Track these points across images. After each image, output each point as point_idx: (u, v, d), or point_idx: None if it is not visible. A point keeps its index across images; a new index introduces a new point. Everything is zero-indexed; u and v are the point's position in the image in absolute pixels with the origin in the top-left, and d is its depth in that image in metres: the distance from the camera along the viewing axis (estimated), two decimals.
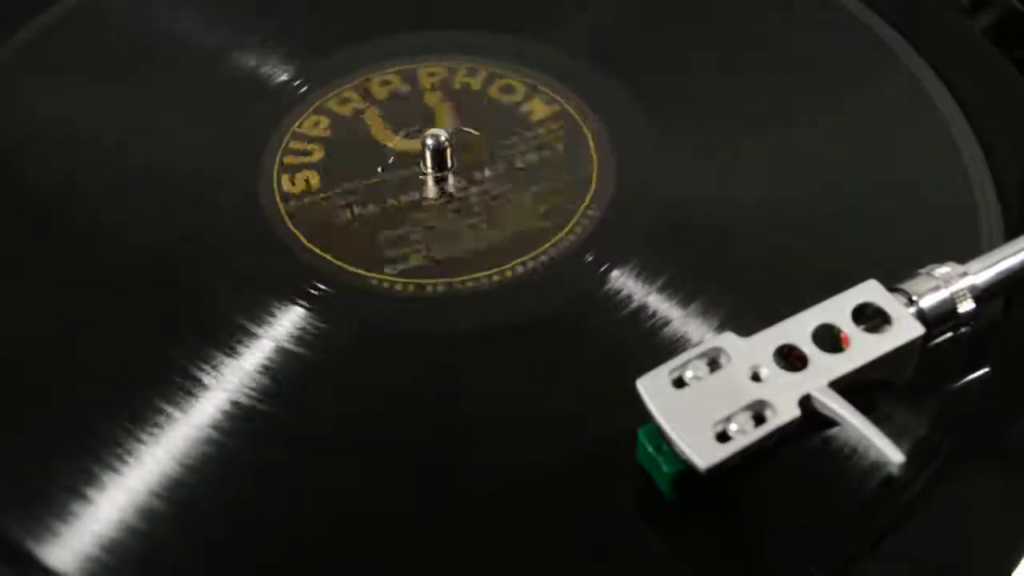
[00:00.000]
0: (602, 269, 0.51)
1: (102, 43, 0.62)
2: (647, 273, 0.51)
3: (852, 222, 0.53)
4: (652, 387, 0.43)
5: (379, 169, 0.55)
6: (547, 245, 0.52)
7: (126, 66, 0.61)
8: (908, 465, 0.44)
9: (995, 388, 0.47)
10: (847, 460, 0.45)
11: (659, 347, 0.48)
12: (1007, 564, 0.43)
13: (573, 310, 0.50)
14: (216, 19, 0.63)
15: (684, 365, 0.43)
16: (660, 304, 0.50)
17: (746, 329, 0.44)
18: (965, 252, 0.48)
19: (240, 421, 0.46)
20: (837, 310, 0.45)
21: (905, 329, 0.44)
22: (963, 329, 0.47)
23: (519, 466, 0.45)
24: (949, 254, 0.47)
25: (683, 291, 0.50)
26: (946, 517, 0.44)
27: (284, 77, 0.60)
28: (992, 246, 0.49)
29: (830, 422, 0.43)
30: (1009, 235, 0.51)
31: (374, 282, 0.51)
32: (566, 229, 0.53)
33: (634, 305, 0.50)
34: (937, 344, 0.46)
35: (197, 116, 0.58)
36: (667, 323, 0.49)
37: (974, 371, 0.48)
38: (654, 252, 0.52)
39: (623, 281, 0.51)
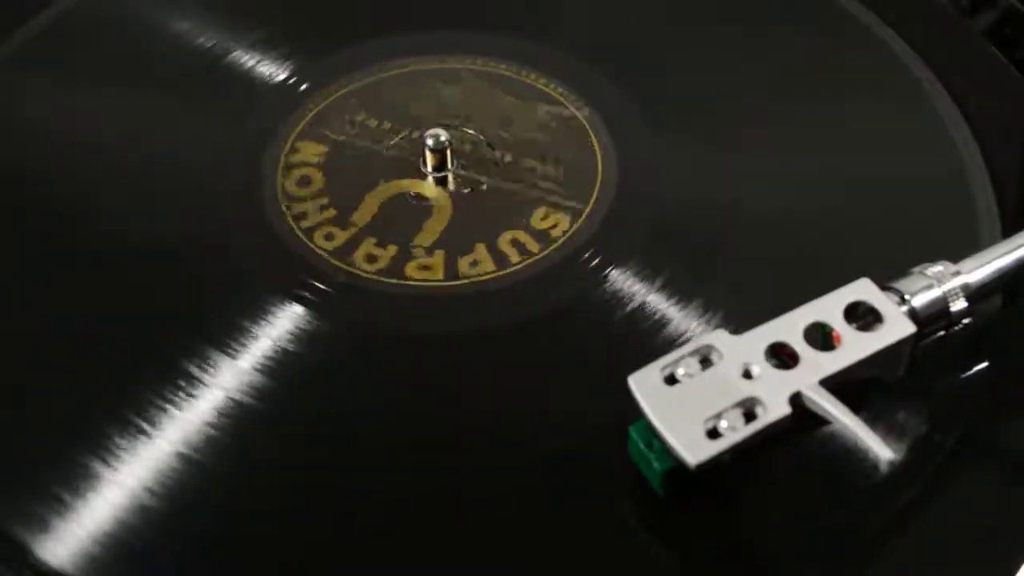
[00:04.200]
0: (602, 269, 0.51)
1: (101, 43, 0.62)
2: (647, 273, 0.51)
3: (851, 222, 0.53)
4: (644, 383, 0.43)
5: (412, 196, 0.55)
6: (548, 245, 0.52)
7: (125, 66, 0.61)
8: (908, 465, 0.45)
9: (995, 386, 0.47)
10: (846, 459, 0.45)
11: (659, 347, 0.48)
12: (1007, 564, 0.42)
13: (573, 310, 0.50)
14: (216, 18, 0.63)
15: (676, 362, 0.43)
16: (660, 304, 0.50)
17: (745, 328, 0.44)
18: (964, 252, 0.48)
19: (238, 420, 0.47)
20: (829, 308, 0.45)
21: (896, 327, 0.44)
22: (956, 328, 0.46)
23: (518, 464, 0.45)
24: (948, 254, 0.47)
25: (683, 291, 0.50)
26: (946, 517, 0.44)
27: (284, 76, 0.60)
28: (990, 246, 0.49)
29: (822, 420, 0.43)
30: (1007, 235, 0.51)
31: (374, 281, 0.51)
32: (567, 229, 0.53)
33: (634, 305, 0.50)
34: (936, 342, 0.46)
35: (198, 115, 0.58)
36: (667, 323, 0.49)
37: (973, 370, 0.48)
38: (654, 252, 0.52)
39: (623, 281, 0.51)
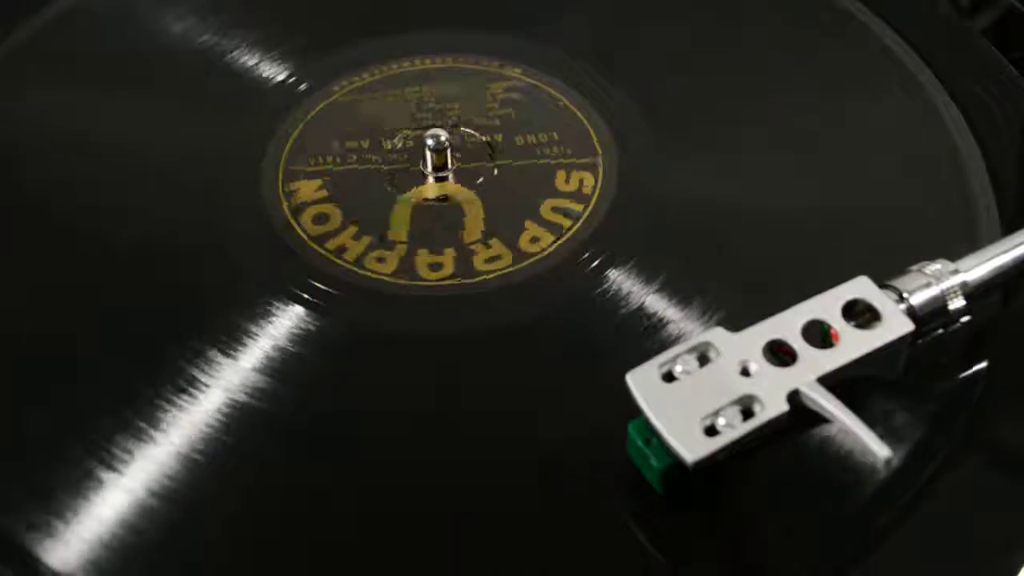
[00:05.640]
0: (602, 269, 0.51)
1: (101, 43, 0.62)
2: (647, 273, 0.51)
3: (851, 221, 0.53)
4: (641, 381, 0.43)
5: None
6: (547, 245, 0.52)
7: (125, 66, 0.61)
8: (908, 465, 0.45)
9: (994, 385, 0.47)
10: (846, 459, 0.45)
11: (658, 347, 0.48)
12: (1007, 564, 0.42)
13: (573, 310, 0.50)
14: (216, 18, 0.63)
15: (674, 359, 0.43)
16: (660, 304, 0.50)
17: (744, 328, 0.44)
18: (963, 251, 0.48)
19: (240, 421, 0.47)
20: (827, 306, 0.45)
21: (894, 325, 0.44)
22: (955, 326, 0.46)
23: (518, 463, 0.45)
24: (947, 252, 0.47)
25: (683, 291, 0.50)
26: (946, 517, 0.44)
27: (284, 76, 0.60)
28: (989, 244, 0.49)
29: (820, 418, 0.43)
30: (1006, 234, 0.50)
31: (375, 282, 0.51)
32: (566, 229, 0.53)
33: (634, 305, 0.50)
34: (936, 341, 0.47)
35: (198, 115, 0.58)
36: (667, 323, 0.49)
37: (973, 368, 0.48)
38: (654, 252, 0.52)
39: (623, 281, 0.51)
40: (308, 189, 0.55)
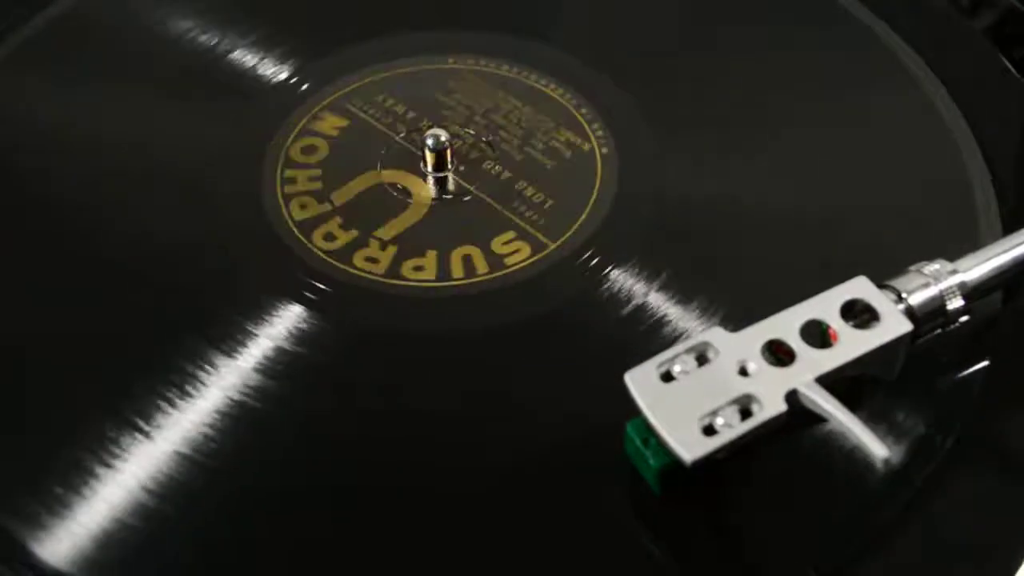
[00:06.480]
0: (602, 269, 0.51)
1: (101, 43, 0.62)
2: (647, 273, 0.51)
3: (851, 222, 0.53)
4: (640, 380, 0.43)
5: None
6: (548, 245, 0.52)
7: (125, 66, 0.61)
8: (908, 465, 0.45)
9: (994, 385, 0.47)
10: (846, 458, 0.45)
11: (659, 347, 0.48)
12: (1007, 564, 0.42)
13: (573, 310, 0.50)
14: (216, 18, 0.63)
15: (672, 359, 0.43)
16: (660, 304, 0.50)
17: (744, 328, 0.44)
18: (963, 251, 0.48)
19: (236, 419, 0.47)
20: (826, 306, 0.45)
21: (893, 325, 0.44)
22: (953, 326, 0.46)
23: (517, 464, 0.45)
24: (947, 253, 0.47)
25: (683, 291, 0.50)
26: (946, 517, 0.44)
27: (284, 76, 0.60)
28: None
29: (819, 418, 0.43)
30: (1007, 234, 0.50)
31: (374, 282, 0.51)
32: (567, 229, 0.53)
33: (634, 305, 0.50)
34: (935, 341, 0.46)
35: (198, 115, 0.58)
36: (667, 323, 0.49)
37: (972, 368, 0.48)
38: (654, 252, 0.52)
39: (623, 281, 0.51)
40: (308, 189, 0.55)
